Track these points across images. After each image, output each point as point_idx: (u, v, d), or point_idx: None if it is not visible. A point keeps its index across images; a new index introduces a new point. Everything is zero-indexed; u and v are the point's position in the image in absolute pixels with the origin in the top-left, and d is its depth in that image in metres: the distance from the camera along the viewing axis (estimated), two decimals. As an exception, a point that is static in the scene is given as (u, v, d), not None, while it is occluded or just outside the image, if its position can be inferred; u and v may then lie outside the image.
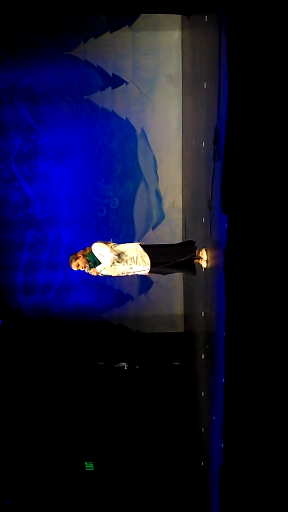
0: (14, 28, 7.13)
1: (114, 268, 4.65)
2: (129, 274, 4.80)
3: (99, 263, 4.71)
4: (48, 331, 7.67)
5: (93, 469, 6.30)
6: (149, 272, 4.75)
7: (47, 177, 7.65)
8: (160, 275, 5.53)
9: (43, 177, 7.65)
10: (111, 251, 4.64)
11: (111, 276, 4.81)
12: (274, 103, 3.56)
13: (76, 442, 6.50)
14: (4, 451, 6.43)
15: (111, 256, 4.61)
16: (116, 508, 6.16)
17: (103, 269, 4.65)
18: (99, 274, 4.71)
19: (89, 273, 4.70)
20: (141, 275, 4.86)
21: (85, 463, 6.31)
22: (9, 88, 7.38)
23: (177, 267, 4.87)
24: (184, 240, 7.14)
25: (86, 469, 6.31)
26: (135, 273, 4.77)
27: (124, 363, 7.20)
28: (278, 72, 3.54)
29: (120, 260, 4.63)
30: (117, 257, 4.62)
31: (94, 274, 4.69)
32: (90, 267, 4.69)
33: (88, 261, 4.70)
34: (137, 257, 4.66)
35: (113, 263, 4.61)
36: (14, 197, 7.65)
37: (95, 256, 4.71)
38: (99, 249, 4.67)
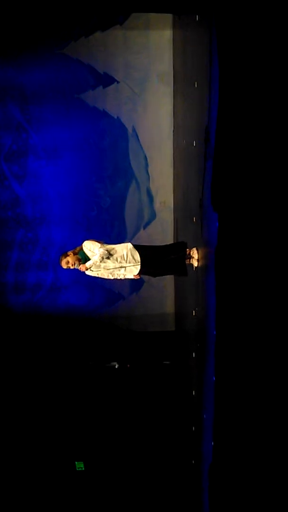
0: (4, 27, 7.08)
1: (103, 265, 4.64)
2: (120, 277, 4.78)
3: (90, 260, 4.70)
4: (39, 331, 7.64)
5: (83, 469, 6.28)
6: (139, 273, 4.74)
7: (37, 176, 7.61)
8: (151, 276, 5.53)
9: (33, 176, 7.61)
10: (101, 247, 4.63)
11: (101, 277, 4.79)
12: (264, 102, 3.58)
13: (67, 441, 6.48)
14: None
15: (101, 251, 4.60)
16: (107, 508, 6.16)
17: (92, 265, 4.64)
18: (89, 270, 4.69)
19: (79, 269, 4.68)
20: (131, 279, 4.85)
21: (76, 462, 6.30)
22: (-1, 86, 7.34)
23: (167, 268, 4.88)
24: (175, 240, 7.16)
25: (77, 469, 6.30)
26: (126, 276, 4.76)
27: (115, 362, 7.20)
28: (268, 71, 3.56)
29: (109, 256, 4.63)
30: (106, 252, 4.61)
31: (84, 269, 4.67)
32: (80, 264, 4.68)
33: (79, 259, 4.69)
34: (127, 254, 4.66)
35: (103, 258, 4.60)
36: (4, 196, 7.61)
37: (85, 254, 4.71)
38: (89, 245, 4.68)
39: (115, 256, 4.66)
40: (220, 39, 3.73)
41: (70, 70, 7.40)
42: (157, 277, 5.65)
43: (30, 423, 6.62)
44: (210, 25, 4.02)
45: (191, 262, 4.85)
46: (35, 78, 7.35)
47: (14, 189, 7.61)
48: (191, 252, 4.83)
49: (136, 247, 4.74)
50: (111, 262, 4.65)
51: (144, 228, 7.78)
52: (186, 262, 4.86)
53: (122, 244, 4.76)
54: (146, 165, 7.67)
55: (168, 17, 7.11)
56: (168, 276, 7.04)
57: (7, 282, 7.74)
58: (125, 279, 4.85)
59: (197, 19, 4.79)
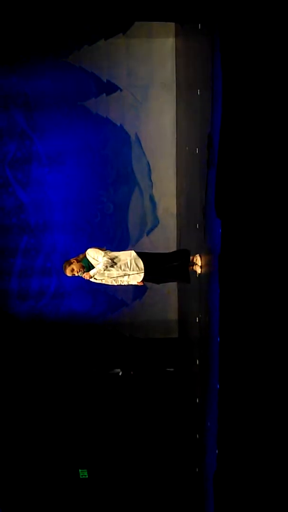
0: (8, 35, 7.15)
1: (107, 273, 4.65)
2: (123, 284, 4.79)
3: (93, 268, 4.71)
4: (42, 337, 7.64)
5: (87, 476, 6.25)
6: (143, 280, 4.75)
7: (41, 183, 7.65)
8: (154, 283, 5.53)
9: (37, 183, 7.65)
10: (104, 255, 4.65)
11: (105, 283, 4.79)
12: (267, 110, 3.59)
13: (70, 448, 6.45)
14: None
15: (105, 259, 4.61)
16: (110, 516, 6.12)
17: (96, 273, 4.65)
18: (93, 278, 4.70)
19: (83, 277, 4.69)
20: (135, 285, 4.85)
21: (79, 470, 6.27)
22: (3, 94, 7.40)
23: (170, 275, 4.88)
24: (178, 247, 7.16)
25: (81, 477, 6.27)
26: (129, 282, 4.77)
27: (118, 369, 7.18)
28: (271, 79, 3.58)
29: (113, 264, 4.64)
30: (110, 260, 4.62)
31: (88, 277, 4.69)
32: (84, 272, 4.69)
33: (83, 266, 4.70)
34: (130, 262, 4.66)
35: (106, 267, 4.61)
36: (8, 203, 7.64)
37: (89, 261, 4.72)
38: (92, 253, 4.69)
39: (118, 264, 4.67)
40: (223, 48, 3.75)
41: (73, 78, 7.46)
42: (161, 284, 5.65)
43: (33, 430, 6.60)
44: (212, 34, 4.05)
45: (194, 269, 4.85)
46: (39, 86, 7.41)
47: (18, 196, 7.65)
48: (194, 259, 4.83)
49: (139, 254, 4.75)
50: (115, 270, 4.66)
51: (147, 234, 7.79)
52: (189, 269, 4.86)
53: (126, 252, 4.77)
54: (149, 172, 7.70)
55: (171, 25, 7.16)
56: (171, 283, 7.04)
57: (10, 289, 7.75)
58: (129, 285, 4.85)
59: (199, 27, 4.83)
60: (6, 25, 7.05)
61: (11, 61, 7.33)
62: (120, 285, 4.82)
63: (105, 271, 4.65)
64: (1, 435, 6.50)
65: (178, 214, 7.53)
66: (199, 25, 4.81)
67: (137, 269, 4.67)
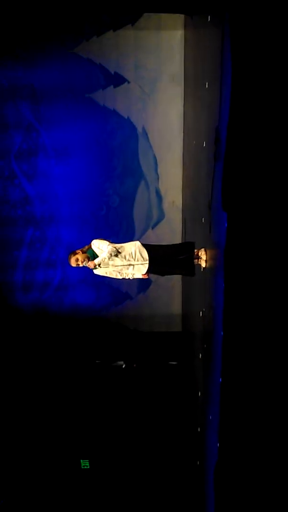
0: (15, 26, 7.12)
1: (112, 263, 4.65)
2: (128, 277, 4.79)
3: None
4: (46, 329, 7.67)
5: (89, 467, 6.30)
6: (148, 272, 4.75)
7: (47, 175, 7.64)
8: (159, 276, 5.53)
9: (43, 175, 7.64)
10: (109, 244, 4.66)
11: (110, 276, 4.80)
12: (275, 104, 3.56)
13: (73, 440, 6.49)
14: None
15: (109, 248, 4.62)
16: (112, 507, 6.16)
17: (101, 262, 4.65)
18: (97, 268, 4.70)
19: (87, 266, 4.70)
20: (140, 278, 4.85)
21: (81, 461, 6.31)
22: (10, 86, 7.38)
23: (175, 267, 4.87)
24: (183, 241, 7.15)
25: (82, 467, 6.31)
26: (134, 275, 4.77)
27: (121, 362, 7.20)
28: (280, 73, 3.54)
29: (118, 254, 4.65)
30: (115, 249, 4.63)
31: (92, 266, 4.69)
32: (89, 261, 4.70)
33: (87, 257, 4.72)
34: (135, 252, 4.67)
35: (111, 255, 4.62)
36: (14, 195, 7.65)
37: (94, 252, 4.73)
38: (97, 243, 4.70)
39: (123, 253, 4.67)
40: (232, 40, 3.72)
41: (81, 70, 7.42)
42: (165, 277, 5.65)
43: (36, 421, 6.65)
44: (222, 26, 4.01)
45: (199, 262, 4.84)
46: (46, 78, 7.39)
47: (24, 188, 7.65)
48: (200, 253, 4.82)
49: (144, 245, 4.75)
50: (119, 260, 4.66)
51: (153, 228, 7.78)
52: (195, 263, 4.85)
53: (131, 242, 4.78)
54: (156, 165, 7.67)
55: (180, 17, 7.10)
56: (175, 276, 7.04)
57: (15, 281, 7.78)
58: (134, 279, 4.85)
59: (209, 19, 4.78)
60: (13, 17, 7.02)
61: (18, 53, 7.30)
62: (125, 278, 4.82)
63: (109, 260, 4.65)
64: (5, 426, 6.55)
65: (184, 208, 7.51)
66: (209, 17, 4.77)
67: (142, 259, 4.67)
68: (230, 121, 3.74)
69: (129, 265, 4.68)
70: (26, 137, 7.52)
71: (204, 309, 5.05)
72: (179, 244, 5.27)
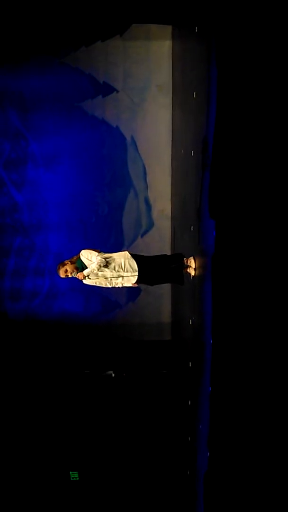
0: (5, 35, 7.14)
1: (101, 274, 4.64)
2: (117, 286, 4.78)
3: (87, 269, 4.70)
4: (34, 338, 7.60)
5: (78, 478, 6.23)
6: (137, 282, 4.74)
7: (36, 184, 7.63)
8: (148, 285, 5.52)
9: (32, 184, 7.62)
10: (98, 255, 4.64)
11: (99, 285, 4.78)
12: (262, 113, 3.61)
13: (62, 451, 6.42)
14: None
15: (98, 259, 4.61)
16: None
17: (90, 273, 4.64)
18: (87, 279, 4.69)
19: (76, 277, 4.69)
20: (129, 287, 4.85)
21: (70, 472, 6.24)
22: (-1, 94, 7.38)
23: (165, 277, 4.88)
24: (172, 249, 7.17)
25: (71, 479, 6.24)
26: (124, 284, 4.76)
27: (111, 371, 7.16)
28: (266, 82, 3.60)
29: (107, 265, 4.64)
30: (104, 260, 4.62)
31: (81, 278, 4.68)
32: (78, 272, 4.68)
33: (76, 267, 4.70)
34: (124, 263, 4.66)
35: (100, 266, 4.61)
36: (2, 203, 7.61)
37: (82, 262, 4.71)
38: (86, 254, 4.69)
39: (112, 265, 4.66)
40: (219, 51, 3.77)
41: (70, 79, 7.45)
42: (154, 286, 5.65)
43: (25, 431, 6.57)
44: (209, 37, 4.07)
45: (188, 271, 4.86)
46: (35, 86, 7.40)
47: (13, 196, 7.62)
48: (188, 261, 4.84)
49: (133, 256, 4.75)
50: (109, 271, 4.65)
51: (142, 236, 7.79)
52: (184, 271, 4.87)
53: (120, 253, 4.77)
54: (144, 173, 7.70)
55: (168, 28, 7.19)
56: (165, 284, 7.04)
57: (3, 289, 7.72)
58: (123, 287, 4.84)
59: (196, 30, 4.85)
60: (3, 25, 7.04)
61: (7, 61, 7.31)
62: (114, 287, 4.81)
63: (99, 271, 4.64)
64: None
65: (173, 217, 7.54)
66: (196, 28, 4.83)
67: (131, 270, 4.67)
68: (217, 130, 3.79)
69: (119, 276, 4.68)
70: (14, 145, 7.52)
71: (193, 317, 5.06)
72: (168, 255, 5.28)
